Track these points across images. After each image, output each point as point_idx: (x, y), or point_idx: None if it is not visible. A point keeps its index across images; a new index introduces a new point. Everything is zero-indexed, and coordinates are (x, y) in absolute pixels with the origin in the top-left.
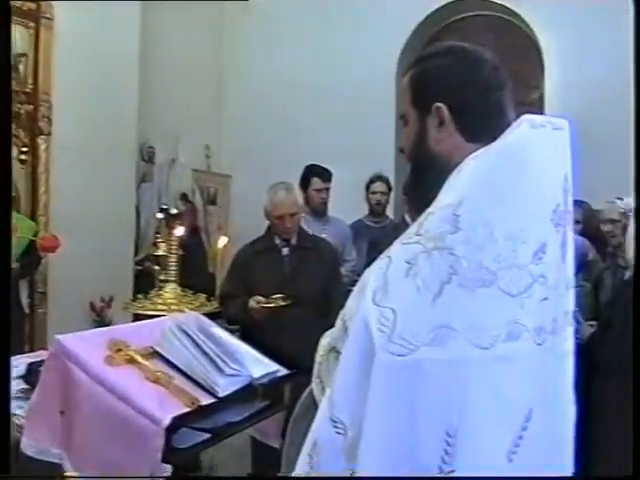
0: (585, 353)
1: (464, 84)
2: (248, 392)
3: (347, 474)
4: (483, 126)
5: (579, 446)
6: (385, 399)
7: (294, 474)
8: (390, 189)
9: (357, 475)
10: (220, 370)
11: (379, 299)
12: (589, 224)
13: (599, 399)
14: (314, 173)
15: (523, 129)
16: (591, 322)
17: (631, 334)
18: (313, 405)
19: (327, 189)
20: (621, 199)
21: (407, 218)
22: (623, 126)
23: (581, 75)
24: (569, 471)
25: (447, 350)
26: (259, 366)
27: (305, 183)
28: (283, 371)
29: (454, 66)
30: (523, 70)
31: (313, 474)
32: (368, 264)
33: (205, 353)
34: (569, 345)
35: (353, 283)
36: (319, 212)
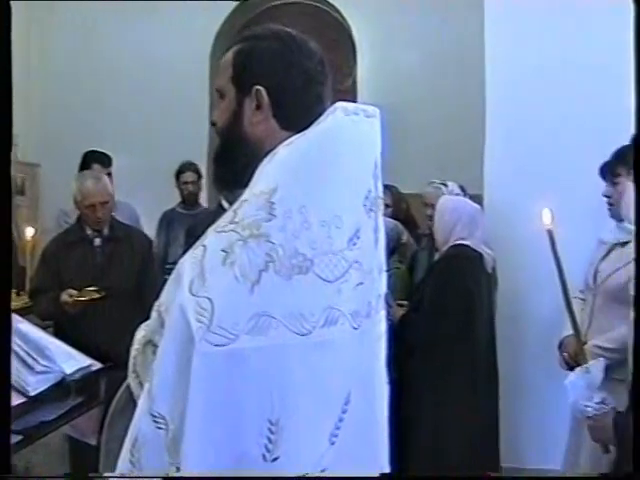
0: (397, 334)
1: (289, 72)
2: (61, 389)
3: (171, 469)
4: (300, 116)
5: (394, 423)
6: (206, 390)
7: (117, 471)
8: (200, 177)
9: (181, 468)
10: (29, 368)
11: (196, 289)
12: (398, 207)
13: (411, 376)
14: (94, 159)
15: (336, 116)
16: (401, 302)
17: (440, 313)
18: (131, 400)
19: (109, 174)
20: (445, 185)
21: (224, 203)
22: (430, 112)
23: (391, 62)
24: (386, 449)
25: (267, 338)
26: (71, 361)
27: (84, 169)
28: (97, 365)
29: (281, 52)
30: (337, 57)
31: (135, 471)
32: (186, 252)
33: (13, 351)
34: (382, 327)
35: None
36: None
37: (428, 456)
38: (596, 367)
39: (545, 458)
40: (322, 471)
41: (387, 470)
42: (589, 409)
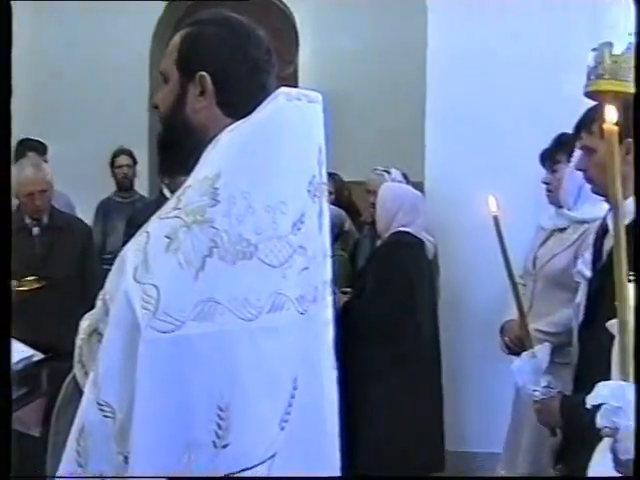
0: (340, 321)
1: (235, 59)
2: None
3: (119, 458)
4: (244, 103)
5: (342, 410)
6: (154, 377)
7: (62, 462)
8: (135, 162)
9: (129, 456)
10: None
11: (140, 276)
12: (341, 195)
13: (355, 363)
14: (28, 147)
15: (279, 102)
16: (344, 290)
17: (382, 300)
18: (77, 391)
19: (45, 162)
20: (389, 172)
21: (165, 192)
22: (371, 100)
23: (334, 50)
24: (336, 433)
25: (213, 324)
26: (13, 352)
27: (19, 158)
28: (39, 356)
29: (229, 38)
30: (280, 45)
31: (81, 460)
32: (127, 242)
33: None
34: (329, 313)
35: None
36: None
37: (374, 442)
38: (542, 351)
39: (489, 441)
40: (272, 456)
41: (337, 454)
42: (537, 393)
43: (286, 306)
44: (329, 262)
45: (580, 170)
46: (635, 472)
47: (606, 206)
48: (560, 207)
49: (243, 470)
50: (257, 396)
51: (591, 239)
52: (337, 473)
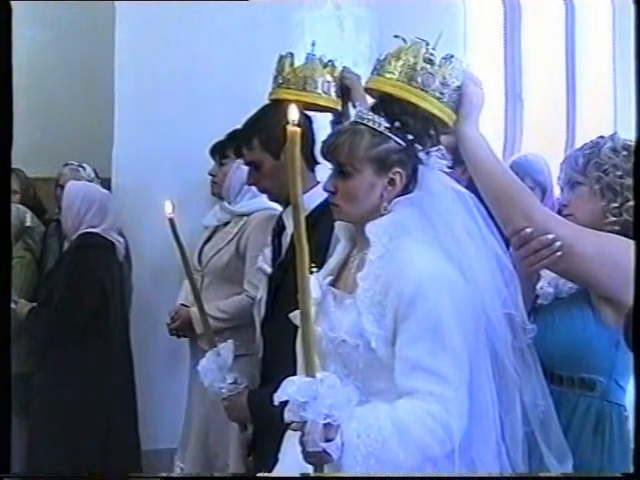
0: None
1: None
2: None
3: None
4: None
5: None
6: None
7: None
8: None
9: None
10: None
11: None
12: (26, 193)
13: (48, 369)
14: None
15: None
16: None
17: (71, 306)
18: None
19: None
20: (83, 167)
21: None
22: (59, 94)
23: (22, 40)
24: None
25: None
26: None
27: None
28: None
29: None
30: None
31: None
32: None
33: None
34: None
35: None
36: None
37: (62, 448)
38: (225, 349)
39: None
40: None
41: None
42: (223, 390)
43: None
44: None
45: (252, 185)
46: (635, 472)
47: (265, 199)
48: (222, 199)
49: None
50: None
51: (252, 232)
52: None
